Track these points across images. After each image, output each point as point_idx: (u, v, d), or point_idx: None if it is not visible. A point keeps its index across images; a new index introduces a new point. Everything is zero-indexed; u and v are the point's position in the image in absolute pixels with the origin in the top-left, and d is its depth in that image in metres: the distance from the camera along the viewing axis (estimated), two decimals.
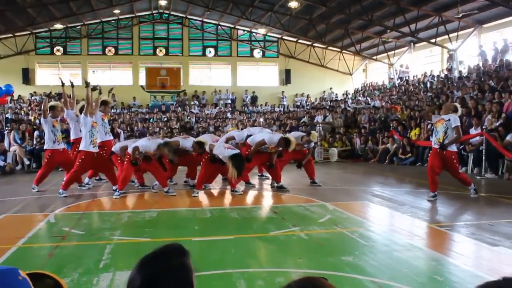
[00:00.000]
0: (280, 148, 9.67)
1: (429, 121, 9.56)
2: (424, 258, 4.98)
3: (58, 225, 6.76)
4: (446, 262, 4.83)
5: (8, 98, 21.01)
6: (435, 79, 22.70)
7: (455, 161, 8.80)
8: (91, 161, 9.29)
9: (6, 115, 18.61)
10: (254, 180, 11.03)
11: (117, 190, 9.03)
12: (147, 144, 9.13)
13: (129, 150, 9.06)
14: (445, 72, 22.52)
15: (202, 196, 9.37)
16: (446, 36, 21.43)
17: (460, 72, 21.32)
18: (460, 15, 19.50)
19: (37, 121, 19.74)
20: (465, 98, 15.79)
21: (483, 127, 12.69)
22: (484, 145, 11.90)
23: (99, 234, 6.08)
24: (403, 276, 4.30)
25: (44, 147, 9.94)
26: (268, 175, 10.68)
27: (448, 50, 22.71)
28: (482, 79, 18.21)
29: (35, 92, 27.96)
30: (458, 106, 9.20)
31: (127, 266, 4.63)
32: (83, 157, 9.15)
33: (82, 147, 9.21)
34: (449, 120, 8.64)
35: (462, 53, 22.61)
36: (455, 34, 21.17)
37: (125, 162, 9.20)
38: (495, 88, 15.72)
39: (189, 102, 27.82)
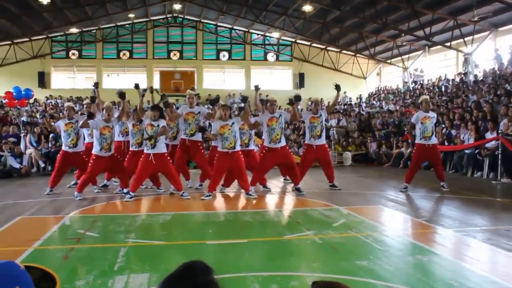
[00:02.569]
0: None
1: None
2: (439, 263, 4.93)
3: (73, 227, 6.81)
4: (461, 268, 4.78)
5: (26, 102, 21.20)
6: (450, 83, 22.54)
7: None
8: (103, 164, 9.39)
9: (22, 118, 18.79)
10: (272, 184, 11.00)
11: (129, 192, 9.10)
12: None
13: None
14: (460, 76, 22.35)
15: (216, 199, 9.37)
16: (461, 40, 21.26)
17: (475, 76, 21.14)
18: (476, 18, 19.36)
19: (53, 123, 19.91)
20: (480, 102, 15.66)
21: (499, 131, 12.57)
22: (500, 149, 11.76)
23: (113, 237, 6.11)
24: (418, 282, 4.27)
25: (93, 151, 9.66)
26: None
27: (463, 53, 22.54)
28: (498, 83, 18.04)
29: (50, 95, 28.26)
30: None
31: (141, 269, 4.66)
32: (94, 158, 9.25)
33: (94, 151, 9.36)
34: (433, 117, 10.04)
35: (478, 56, 22.42)
36: (471, 37, 21.02)
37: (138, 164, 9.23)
38: (511, 92, 15.57)
39: (203, 106, 27.84)
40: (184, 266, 1.43)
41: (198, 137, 10.06)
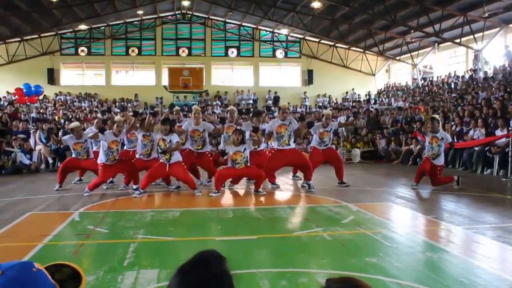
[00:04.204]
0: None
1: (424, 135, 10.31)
2: (449, 260, 4.90)
3: (82, 223, 6.83)
4: (471, 265, 4.75)
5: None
6: (460, 79, 22.41)
7: (439, 172, 10.04)
8: (113, 170, 9.57)
9: (32, 115, 18.89)
10: (280, 181, 10.99)
11: (138, 189, 9.14)
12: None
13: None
14: (470, 73, 22.21)
15: (225, 196, 9.39)
16: (471, 36, 21.14)
17: (485, 72, 21.01)
18: (486, 14, 19.23)
19: (62, 120, 20.04)
20: (490, 99, 15.56)
21: (509, 128, 12.48)
22: (510, 146, 11.69)
23: (123, 233, 6.13)
24: (428, 279, 4.25)
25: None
26: (301, 176, 10.64)
27: (473, 50, 22.40)
28: (508, 79, 17.93)
29: (60, 92, 28.39)
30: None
31: (151, 265, 4.67)
32: (102, 166, 9.33)
33: (99, 161, 9.48)
34: (442, 138, 10.01)
35: (488, 53, 22.27)
36: (481, 34, 20.88)
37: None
38: None
39: (211, 102, 27.94)
40: (198, 255, 1.44)
41: (206, 148, 10.36)
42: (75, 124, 10.68)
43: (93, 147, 10.72)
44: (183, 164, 9.36)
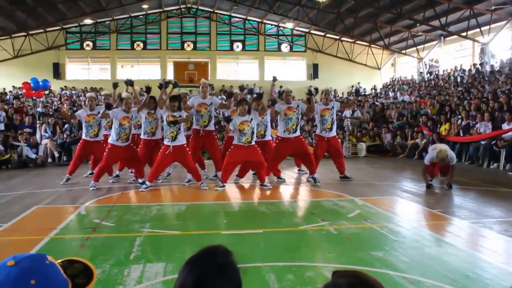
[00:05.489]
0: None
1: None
2: (455, 254, 4.89)
3: (89, 217, 6.86)
4: (478, 259, 4.74)
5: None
6: (466, 73, 22.31)
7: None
8: (119, 153, 9.41)
9: (38, 109, 18.94)
10: (286, 175, 10.98)
11: (145, 182, 9.12)
12: None
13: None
14: (477, 66, 22.09)
15: (231, 190, 9.37)
16: (478, 30, 21.03)
17: (492, 66, 20.89)
18: (493, 7, 19.12)
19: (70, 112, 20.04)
20: (497, 93, 15.47)
21: None
22: None
23: (129, 226, 6.14)
24: (434, 273, 4.24)
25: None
26: (306, 169, 10.61)
27: (479, 43, 22.28)
28: None
29: (65, 86, 28.45)
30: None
31: (157, 258, 4.68)
32: (110, 148, 9.27)
33: (110, 140, 9.40)
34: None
35: (494, 46, 22.14)
36: (487, 27, 20.76)
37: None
38: None
39: (217, 97, 27.90)
40: (205, 249, 1.48)
41: (212, 126, 10.05)
42: (90, 94, 10.89)
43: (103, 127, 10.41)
44: (188, 149, 9.31)
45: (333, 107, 10.20)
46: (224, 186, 9.15)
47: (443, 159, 8.79)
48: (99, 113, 9.68)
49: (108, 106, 9.25)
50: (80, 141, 10.32)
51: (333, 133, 10.29)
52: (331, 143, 10.26)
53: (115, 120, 9.22)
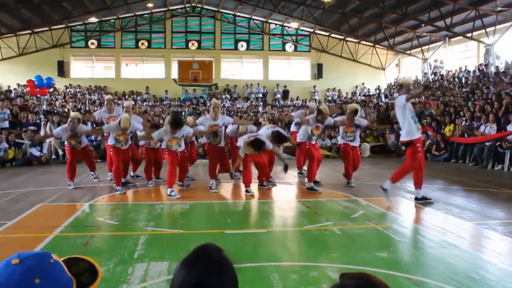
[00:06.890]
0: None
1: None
2: (459, 256, 4.89)
3: (93, 215, 6.88)
4: (482, 261, 4.74)
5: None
6: (471, 74, 22.25)
7: None
8: (123, 154, 9.30)
9: (43, 107, 18.99)
10: (289, 176, 10.93)
11: (172, 192, 8.42)
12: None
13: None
14: (481, 67, 22.02)
15: (234, 189, 9.39)
16: (483, 31, 20.93)
17: (496, 67, 20.83)
18: (498, 8, 19.04)
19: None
20: (501, 94, 15.44)
21: None
22: None
23: (133, 225, 6.16)
24: (438, 274, 4.24)
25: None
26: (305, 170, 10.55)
27: (484, 44, 22.21)
28: None
29: (70, 84, 28.49)
30: None
31: (161, 257, 4.68)
32: (113, 149, 9.18)
33: (110, 143, 9.36)
34: None
35: (500, 47, 22.06)
36: (492, 28, 20.66)
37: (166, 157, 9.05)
38: None
39: (221, 96, 27.96)
40: (197, 248, 1.50)
41: (223, 143, 9.70)
42: (109, 97, 11.09)
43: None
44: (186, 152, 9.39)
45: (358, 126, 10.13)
46: (215, 189, 9.19)
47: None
48: (119, 115, 9.78)
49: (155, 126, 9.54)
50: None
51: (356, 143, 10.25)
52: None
53: (112, 134, 9.21)
